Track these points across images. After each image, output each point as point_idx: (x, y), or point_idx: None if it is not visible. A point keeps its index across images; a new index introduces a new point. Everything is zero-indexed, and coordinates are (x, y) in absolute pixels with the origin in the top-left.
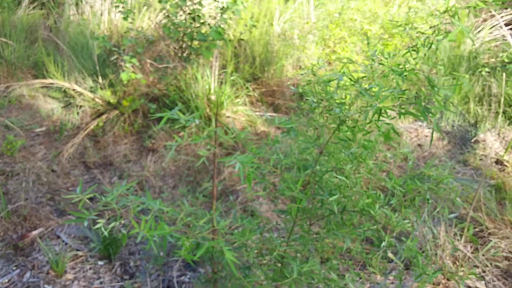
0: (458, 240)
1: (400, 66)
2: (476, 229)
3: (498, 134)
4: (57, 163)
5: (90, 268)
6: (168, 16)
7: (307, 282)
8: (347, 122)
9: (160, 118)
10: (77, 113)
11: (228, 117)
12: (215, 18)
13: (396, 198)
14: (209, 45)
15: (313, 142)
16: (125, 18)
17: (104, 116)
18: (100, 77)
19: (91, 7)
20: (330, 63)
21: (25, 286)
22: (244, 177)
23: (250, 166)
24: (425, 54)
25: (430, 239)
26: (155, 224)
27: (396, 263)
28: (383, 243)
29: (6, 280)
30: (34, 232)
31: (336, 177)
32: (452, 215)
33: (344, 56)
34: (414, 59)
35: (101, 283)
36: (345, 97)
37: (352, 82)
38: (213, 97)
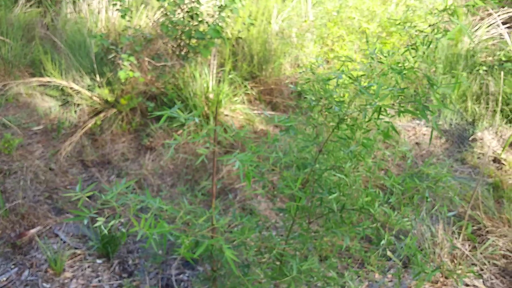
0: (456, 238)
1: (399, 65)
2: (474, 228)
3: (496, 132)
4: (55, 161)
5: (88, 267)
6: (166, 14)
7: (306, 280)
8: (346, 120)
9: (159, 117)
10: (75, 111)
11: (226, 115)
12: (213, 16)
13: (395, 196)
14: (207, 43)
15: (312, 140)
16: (123, 16)
17: (102, 115)
18: (97, 75)
19: (88, 5)
20: (328, 61)
21: (23, 285)
22: (243, 175)
23: (249, 164)
24: (424, 52)
25: (428, 237)
26: (155, 222)
27: (394, 261)
28: (383, 241)
29: (4, 279)
30: (32, 231)
31: (335, 175)
32: (451, 213)
33: (343, 55)
34: (413, 57)
35: (99, 281)
36: (344, 96)
37: (351, 80)
38: (211, 96)
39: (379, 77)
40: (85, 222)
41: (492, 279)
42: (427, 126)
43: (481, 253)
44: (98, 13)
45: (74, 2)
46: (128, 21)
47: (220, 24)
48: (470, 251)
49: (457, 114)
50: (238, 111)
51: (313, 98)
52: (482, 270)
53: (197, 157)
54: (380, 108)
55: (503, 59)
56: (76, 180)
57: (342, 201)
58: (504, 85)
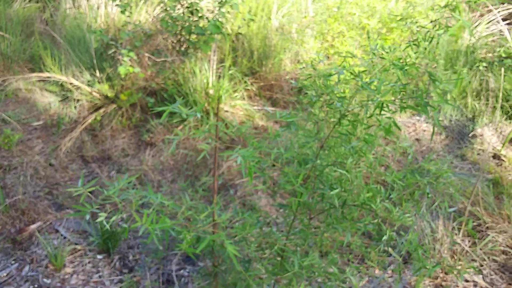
0: (456, 234)
1: (401, 60)
2: (474, 223)
3: (496, 128)
4: (55, 157)
5: (89, 262)
6: (166, 9)
7: (307, 276)
8: (347, 116)
9: (159, 113)
10: (75, 107)
11: (226, 111)
12: (213, 12)
13: (396, 192)
14: (207, 39)
15: (313, 136)
16: (122, 12)
17: (101, 110)
18: (97, 71)
19: (88, 0)
20: (328, 57)
21: (23, 280)
22: (245, 171)
23: (251, 160)
24: (425, 48)
25: (429, 233)
26: (157, 217)
27: (394, 257)
28: (385, 237)
29: (5, 274)
30: (33, 226)
31: (337, 171)
32: (451, 209)
33: (343, 50)
34: (415, 53)
35: (100, 276)
36: (345, 91)
37: (353, 76)
38: (211, 91)
39: (380, 73)
40: (87, 217)
41: (491, 275)
42: (427, 122)
43: (480, 249)
44: (98, 8)
45: None
46: (128, 16)
47: (220, 19)
48: (470, 247)
49: (457, 110)
50: (238, 107)
51: (314, 94)
52: (481, 266)
53: (197, 153)
54: (382, 103)
55: (503, 55)
56: (76, 175)
57: (344, 197)
58: (504, 82)
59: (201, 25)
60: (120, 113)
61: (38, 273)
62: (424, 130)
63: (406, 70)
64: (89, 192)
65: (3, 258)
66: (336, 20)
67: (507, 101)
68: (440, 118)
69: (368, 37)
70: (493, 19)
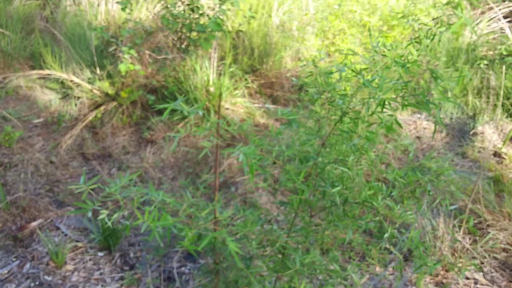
0: (456, 231)
1: (403, 58)
2: (475, 221)
3: (496, 126)
4: (56, 154)
5: (90, 259)
6: (166, 7)
7: (309, 273)
8: (349, 113)
9: (159, 110)
10: (75, 104)
11: (227, 109)
12: (213, 9)
13: (398, 189)
14: (208, 36)
15: (315, 134)
16: (123, 9)
17: (102, 108)
18: (98, 68)
19: None
20: (329, 54)
21: (25, 277)
22: (247, 168)
23: (253, 157)
24: (427, 46)
25: (429, 231)
26: (158, 215)
27: (395, 254)
28: (386, 235)
29: (6, 271)
30: (34, 223)
31: (338, 169)
32: (452, 207)
33: (345, 48)
34: (417, 50)
35: (101, 274)
36: (346, 89)
37: (354, 74)
38: (211, 89)
39: (382, 71)
40: (89, 214)
41: (492, 272)
42: (427, 120)
43: (481, 247)
44: (98, 5)
45: None
46: (128, 13)
47: (220, 17)
48: (470, 244)
49: (458, 108)
50: (238, 104)
51: (316, 92)
52: (482, 263)
53: (198, 150)
54: (384, 101)
55: (504, 53)
56: (77, 173)
57: (345, 194)
58: (505, 79)
59: (201, 22)
60: (120, 110)
61: (39, 270)
62: (425, 128)
63: (408, 67)
64: (90, 189)
65: (4, 256)
66: (337, 18)
67: (508, 99)
68: (441, 116)
69: (370, 35)
70: (494, 17)
